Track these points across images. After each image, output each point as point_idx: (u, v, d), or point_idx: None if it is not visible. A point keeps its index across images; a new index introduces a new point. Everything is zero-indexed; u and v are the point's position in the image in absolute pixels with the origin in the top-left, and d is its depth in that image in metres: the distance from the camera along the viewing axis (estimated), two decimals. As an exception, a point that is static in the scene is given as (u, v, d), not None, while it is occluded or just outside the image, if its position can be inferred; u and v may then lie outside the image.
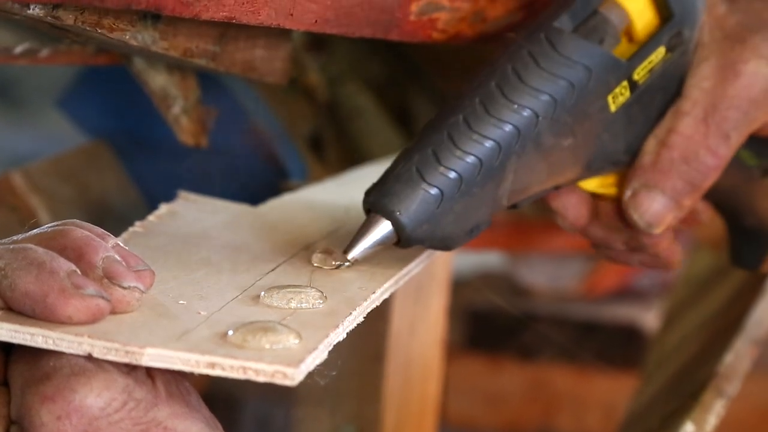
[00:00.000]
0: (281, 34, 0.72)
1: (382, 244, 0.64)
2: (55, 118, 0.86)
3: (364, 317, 0.59)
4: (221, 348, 0.53)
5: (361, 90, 1.06)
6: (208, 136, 0.75)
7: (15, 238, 0.57)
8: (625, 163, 0.71)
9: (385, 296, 0.63)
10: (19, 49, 0.63)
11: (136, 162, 0.84)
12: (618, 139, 0.69)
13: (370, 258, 0.65)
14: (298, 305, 0.58)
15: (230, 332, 0.54)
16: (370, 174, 0.84)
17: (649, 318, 1.23)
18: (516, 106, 0.64)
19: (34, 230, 0.58)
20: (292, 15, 0.65)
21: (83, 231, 0.57)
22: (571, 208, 0.74)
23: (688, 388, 0.77)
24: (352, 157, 1.01)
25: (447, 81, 1.12)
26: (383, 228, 0.64)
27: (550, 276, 1.13)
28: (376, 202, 0.64)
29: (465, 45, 0.80)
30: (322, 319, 0.57)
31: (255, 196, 0.75)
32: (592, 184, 0.72)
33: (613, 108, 0.68)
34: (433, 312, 0.88)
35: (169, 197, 0.70)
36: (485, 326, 1.30)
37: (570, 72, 0.66)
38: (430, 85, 1.12)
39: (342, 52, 1.05)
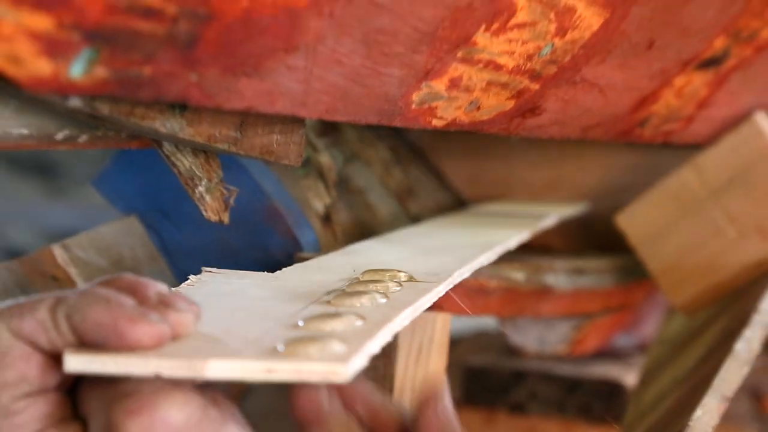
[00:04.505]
0: (295, 121, 0.73)
1: None
2: (92, 195, 0.86)
3: (392, 337, 0.59)
4: (275, 357, 0.53)
5: (367, 169, 1.06)
6: (229, 212, 0.75)
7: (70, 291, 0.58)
8: None
9: (410, 318, 0.63)
10: (60, 136, 0.63)
11: (165, 236, 0.84)
12: None
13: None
14: (336, 327, 0.58)
15: (280, 346, 0.54)
16: (371, 246, 0.84)
17: (630, 376, 1.22)
18: None
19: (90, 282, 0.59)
20: (305, 105, 0.65)
21: (132, 276, 0.58)
22: None
23: (664, 441, 0.77)
24: (359, 230, 1.01)
25: (446, 162, 1.13)
26: None
27: (538, 338, 1.13)
28: None
29: (462, 130, 0.80)
30: (361, 333, 0.57)
31: (272, 267, 0.75)
32: None
33: None
34: (432, 372, 0.88)
35: (194, 269, 0.70)
36: (480, 382, 1.29)
37: None
38: (431, 164, 1.12)
39: (350, 135, 1.05)
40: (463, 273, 0.74)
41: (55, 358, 0.57)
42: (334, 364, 0.52)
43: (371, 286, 0.67)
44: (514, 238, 0.88)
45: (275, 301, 0.65)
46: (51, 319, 0.56)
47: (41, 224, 2.65)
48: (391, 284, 0.68)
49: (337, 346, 0.54)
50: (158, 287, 0.58)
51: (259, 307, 0.64)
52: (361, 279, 0.70)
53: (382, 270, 0.70)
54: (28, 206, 2.78)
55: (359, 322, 0.59)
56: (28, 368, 0.56)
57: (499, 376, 1.27)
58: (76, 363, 0.54)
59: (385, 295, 0.65)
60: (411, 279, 0.70)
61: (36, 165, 2.92)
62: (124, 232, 0.83)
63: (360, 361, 0.54)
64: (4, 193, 2.87)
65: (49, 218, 2.61)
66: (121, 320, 0.54)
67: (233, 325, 0.59)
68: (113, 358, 0.54)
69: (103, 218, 0.86)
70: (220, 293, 0.67)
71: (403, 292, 0.67)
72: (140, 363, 0.53)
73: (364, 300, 0.64)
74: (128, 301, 0.55)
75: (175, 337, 0.55)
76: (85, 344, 0.55)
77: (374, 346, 0.56)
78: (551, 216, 1.01)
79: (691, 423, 0.74)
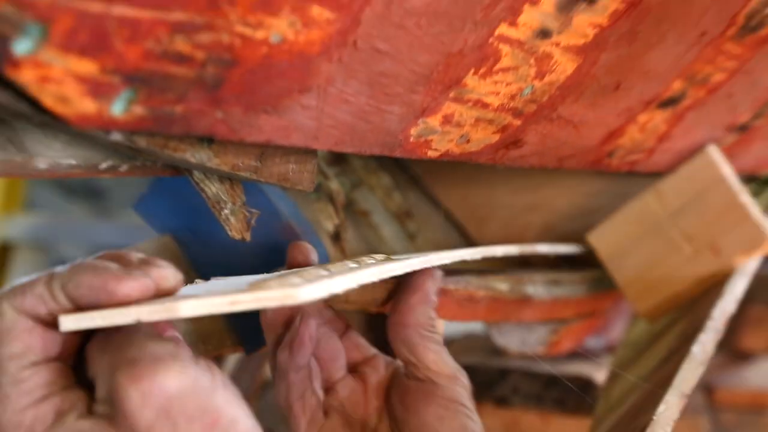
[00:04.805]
0: (308, 152, 0.72)
1: None
2: (133, 216, 0.86)
3: (356, 285, 0.57)
4: (239, 292, 0.52)
5: (371, 194, 1.05)
6: (251, 231, 0.75)
7: None
8: None
9: (377, 277, 0.61)
10: (104, 165, 0.63)
11: (195, 252, 0.83)
12: None
13: None
14: (301, 275, 0.57)
15: (245, 288, 0.53)
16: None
17: (599, 373, 1.22)
18: None
19: None
20: (317, 138, 0.64)
21: (116, 249, 0.60)
22: None
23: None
24: (365, 247, 1.00)
25: (440, 187, 1.12)
26: None
27: (520, 340, 1.12)
28: None
29: (453, 160, 0.79)
30: (322, 276, 0.56)
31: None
32: None
33: None
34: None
35: (220, 281, 0.69)
36: (469, 378, 1.28)
37: None
38: (427, 190, 1.12)
39: (356, 164, 1.05)
40: (441, 258, 0.72)
41: (55, 328, 0.56)
42: (289, 288, 0.51)
43: (347, 260, 0.65)
44: (501, 248, 0.87)
45: (260, 276, 0.63)
46: (48, 291, 0.56)
47: (89, 241, 2.65)
48: (367, 260, 0.67)
49: (295, 280, 0.53)
50: (140, 254, 0.58)
51: (242, 279, 0.62)
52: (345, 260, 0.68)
53: (366, 256, 0.69)
54: (78, 225, 2.78)
55: (324, 273, 0.57)
56: (32, 339, 0.56)
57: (486, 373, 1.27)
58: (69, 322, 0.54)
59: (358, 263, 0.64)
60: (388, 258, 0.69)
61: (86, 189, 2.92)
62: (160, 249, 0.83)
63: (315, 289, 0.52)
64: (58, 214, 2.87)
65: (96, 236, 2.61)
66: (109, 280, 0.54)
67: (212, 288, 0.58)
68: (100, 312, 0.53)
69: (142, 236, 0.85)
70: (217, 282, 0.66)
71: (375, 262, 0.66)
72: (123, 313, 0.53)
73: (338, 266, 0.62)
74: (114, 266, 0.56)
75: (158, 291, 0.55)
76: (81, 309, 0.55)
77: (334, 284, 0.54)
78: (543, 246, 1.00)
79: (655, 417, 0.73)
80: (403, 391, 0.73)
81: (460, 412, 0.72)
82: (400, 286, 0.74)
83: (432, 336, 0.72)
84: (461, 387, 0.73)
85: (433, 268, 0.73)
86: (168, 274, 0.57)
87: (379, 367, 0.75)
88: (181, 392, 0.53)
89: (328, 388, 0.75)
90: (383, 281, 0.76)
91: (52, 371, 0.57)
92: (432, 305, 0.73)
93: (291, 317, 0.74)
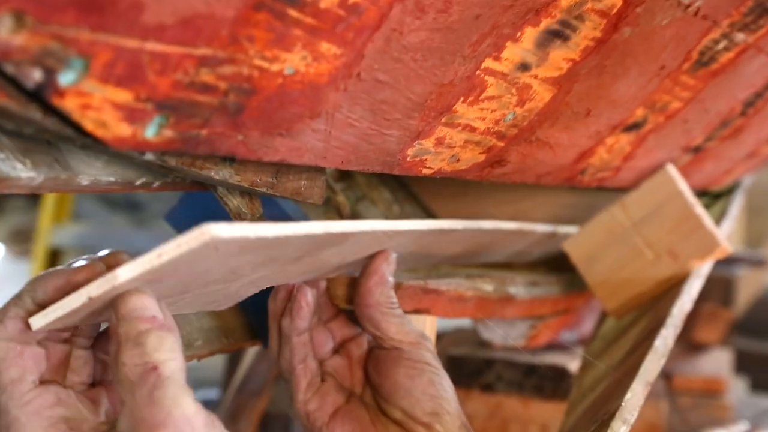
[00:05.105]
0: (318, 170, 0.72)
1: None
2: (166, 226, 0.85)
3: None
4: (164, 246, 0.50)
5: (373, 207, 1.05)
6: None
7: None
8: None
9: (322, 230, 0.58)
10: (139, 182, 0.62)
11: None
12: None
13: None
14: None
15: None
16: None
17: (573, 363, 1.21)
18: None
19: None
20: (325, 158, 0.64)
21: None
22: None
23: (601, 416, 0.75)
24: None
25: (433, 200, 1.12)
26: None
27: (502, 335, 1.11)
28: None
29: (445, 177, 0.79)
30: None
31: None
32: None
33: None
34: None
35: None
36: (458, 368, 1.27)
37: None
38: (422, 203, 1.11)
39: (360, 180, 1.04)
40: (418, 224, 0.71)
41: (37, 344, 0.56)
42: (204, 230, 0.49)
43: None
44: (490, 223, 0.84)
45: None
46: (21, 308, 0.55)
47: (129, 247, 2.64)
48: None
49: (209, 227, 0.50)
50: (105, 251, 0.60)
51: None
52: None
53: None
54: (119, 233, 2.78)
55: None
56: (25, 361, 0.55)
57: (473, 362, 1.26)
58: (38, 321, 0.53)
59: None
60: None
61: (125, 202, 2.92)
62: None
63: (232, 230, 0.50)
64: (102, 223, 2.87)
65: (133, 243, 2.61)
66: (70, 276, 0.55)
67: None
68: (58, 303, 0.52)
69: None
70: None
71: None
72: (75, 297, 0.52)
73: None
74: (69, 267, 0.57)
75: (110, 268, 0.54)
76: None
77: (258, 229, 0.52)
78: (542, 226, 0.98)
79: (623, 403, 0.72)
80: (375, 360, 0.74)
81: (427, 370, 0.72)
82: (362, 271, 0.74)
83: (392, 312, 0.72)
84: (425, 350, 0.73)
85: (388, 252, 0.72)
86: (120, 256, 0.58)
87: (363, 344, 0.76)
88: None
89: (319, 365, 0.76)
90: (347, 277, 0.75)
91: (54, 393, 0.55)
92: (389, 285, 0.72)
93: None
